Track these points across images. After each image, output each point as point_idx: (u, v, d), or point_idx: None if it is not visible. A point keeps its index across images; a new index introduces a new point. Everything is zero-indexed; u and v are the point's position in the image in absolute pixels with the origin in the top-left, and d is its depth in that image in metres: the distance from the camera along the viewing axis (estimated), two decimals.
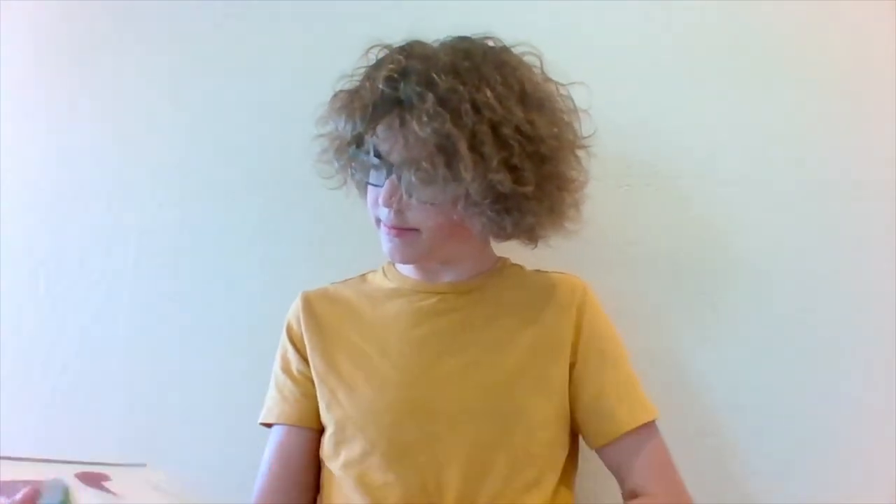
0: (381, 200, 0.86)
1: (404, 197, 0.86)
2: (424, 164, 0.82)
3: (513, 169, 0.83)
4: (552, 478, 0.89)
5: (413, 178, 0.83)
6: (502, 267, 1.01)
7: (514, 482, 0.86)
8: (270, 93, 1.21)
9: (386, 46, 0.92)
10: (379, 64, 0.89)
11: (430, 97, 0.81)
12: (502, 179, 0.82)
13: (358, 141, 0.89)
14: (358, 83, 0.90)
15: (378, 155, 0.87)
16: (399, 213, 0.87)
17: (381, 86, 0.84)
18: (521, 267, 1.02)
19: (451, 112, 0.81)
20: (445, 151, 0.81)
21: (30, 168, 1.22)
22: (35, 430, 1.15)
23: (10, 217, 1.20)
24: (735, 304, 1.12)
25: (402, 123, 0.83)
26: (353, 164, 0.91)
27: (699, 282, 1.13)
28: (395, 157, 0.85)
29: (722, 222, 1.13)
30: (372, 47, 0.92)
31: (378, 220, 0.91)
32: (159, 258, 1.20)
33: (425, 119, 0.81)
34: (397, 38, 1.18)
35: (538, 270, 1.01)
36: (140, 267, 1.20)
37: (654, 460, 0.92)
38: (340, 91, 0.92)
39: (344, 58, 1.20)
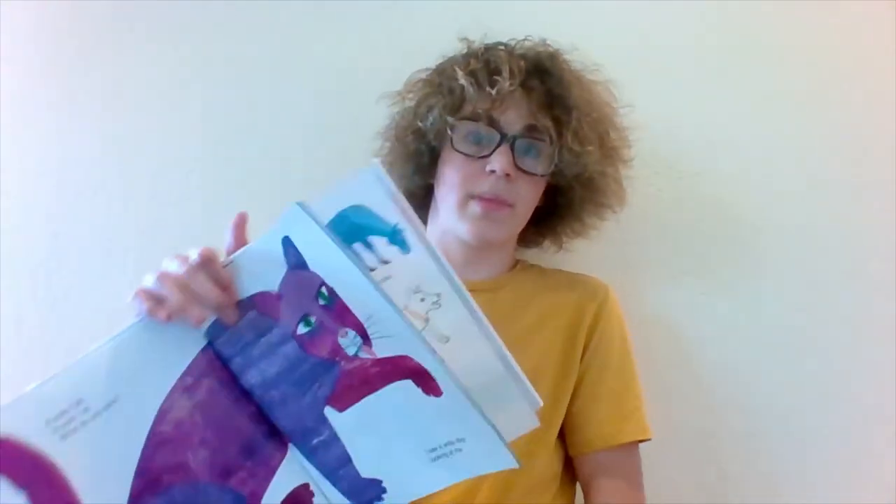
0: (497, 165, 0.87)
1: (512, 170, 0.88)
2: (572, 129, 0.89)
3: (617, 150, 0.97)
4: (556, 479, 0.89)
5: (554, 144, 0.89)
6: (522, 267, 1.01)
7: (520, 480, 0.86)
8: (271, 93, 1.21)
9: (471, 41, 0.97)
10: (495, 50, 0.94)
11: (581, 74, 0.93)
12: (623, 156, 0.97)
13: (464, 108, 0.90)
14: (476, 60, 0.92)
15: (491, 124, 0.89)
16: (508, 182, 0.88)
17: (523, 52, 0.93)
18: (539, 266, 1.02)
19: (589, 93, 0.93)
20: (585, 121, 0.90)
21: (30, 168, 1.21)
22: None
23: (10, 217, 1.20)
24: (735, 305, 1.12)
25: (550, 90, 0.89)
26: (454, 132, 0.91)
27: (699, 282, 1.13)
28: (518, 124, 0.89)
29: (722, 223, 1.14)
30: (462, 39, 0.97)
31: (466, 198, 0.90)
32: (159, 258, 1.19)
33: (577, 91, 0.91)
34: (400, 37, 1.19)
35: (559, 270, 1.01)
36: (140, 267, 1.19)
37: (624, 484, 0.88)
38: (456, 60, 0.95)
39: (345, 58, 1.21)
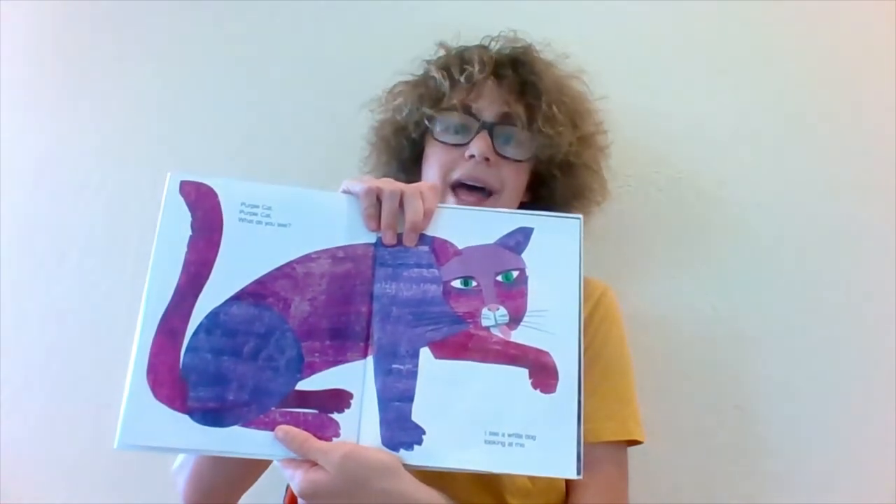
0: (476, 149, 0.90)
1: (492, 155, 0.90)
2: (542, 114, 0.92)
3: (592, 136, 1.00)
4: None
5: (525, 129, 0.91)
6: None
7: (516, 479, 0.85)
8: (271, 93, 1.21)
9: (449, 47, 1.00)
10: (469, 47, 0.97)
11: (552, 64, 0.97)
12: (599, 142, 0.99)
13: (442, 103, 0.93)
14: (450, 56, 0.97)
15: (468, 113, 0.92)
16: (489, 167, 0.90)
17: (498, 47, 0.97)
18: None
19: (560, 80, 0.96)
20: (556, 105, 0.93)
21: (30, 167, 1.22)
22: (35, 430, 1.15)
23: (10, 217, 1.20)
24: (735, 304, 1.12)
25: (522, 78, 0.93)
26: (433, 123, 0.94)
27: (699, 281, 1.13)
28: (494, 111, 0.92)
29: (722, 222, 1.14)
30: (440, 44, 1.01)
31: (449, 185, 0.92)
32: None
33: (548, 78, 0.94)
34: (402, 36, 1.19)
35: None
36: (140, 267, 1.19)
37: (601, 484, 0.85)
38: (431, 60, 0.99)
39: (345, 58, 1.21)
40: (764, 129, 1.15)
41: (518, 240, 0.76)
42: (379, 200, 0.75)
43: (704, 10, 1.18)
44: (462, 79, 0.92)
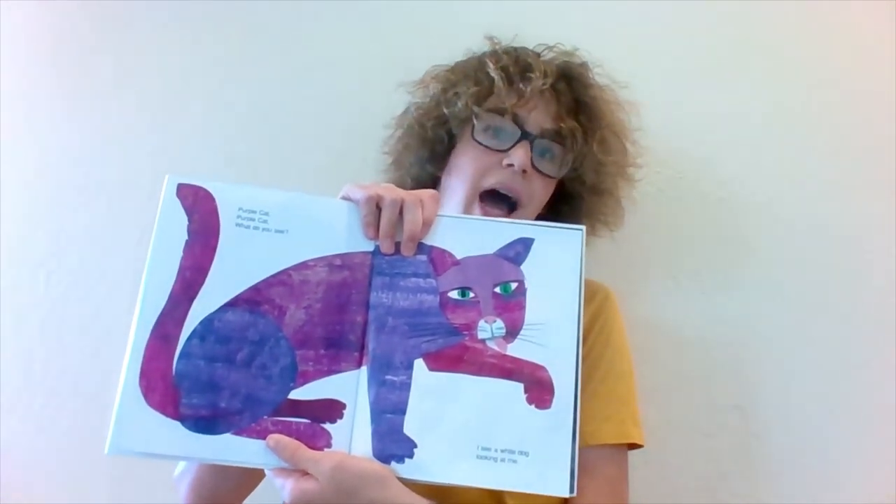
0: (516, 159, 0.88)
1: (529, 168, 0.89)
2: (598, 137, 0.92)
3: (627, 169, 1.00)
4: None
5: (578, 148, 0.90)
6: None
7: None
8: (272, 95, 1.21)
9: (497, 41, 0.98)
10: (525, 50, 0.95)
11: (606, 88, 0.96)
12: (630, 175, 0.99)
13: (489, 101, 0.91)
14: (507, 56, 0.94)
15: (514, 120, 0.90)
16: (523, 178, 0.89)
17: (551, 56, 0.95)
18: None
19: (611, 106, 0.96)
20: (610, 132, 0.92)
21: (30, 168, 1.22)
22: (35, 430, 1.15)
23: (10, 217, 1.20)
24: (735, 305, 1.12)
25: (577, 97, 0.93)
26: (478, 122, 0.91)
27: (699, 282, 1.13)
28: (542, 124, 0.90)
29: (723, 223, 1.14)
30: (488, 38, 0.98)
31: (474, 194, 0.90)
32: None
33: (603, 102, 0.94)
34: (403, 39, 1.19)
35: None
36: (140, 268, 1.19)
37: (602, 487, 0.83)
38: (486, 54, 0.96)
39: (345, 59, 1.21)
40: (764, 129, 1.15)
41: (518, 250, 0.75)
42: (379, 208, 0.75)
43: (705, 10, 1.18)
44: (526, 88, 0.89)
